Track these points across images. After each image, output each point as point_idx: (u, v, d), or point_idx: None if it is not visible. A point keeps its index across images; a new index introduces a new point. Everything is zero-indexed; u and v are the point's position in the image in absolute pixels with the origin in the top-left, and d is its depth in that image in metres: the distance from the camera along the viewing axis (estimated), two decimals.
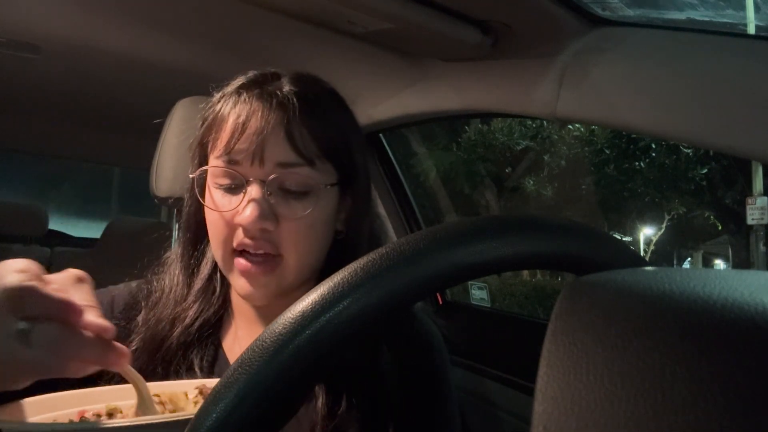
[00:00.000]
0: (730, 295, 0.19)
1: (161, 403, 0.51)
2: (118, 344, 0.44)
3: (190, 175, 0.68)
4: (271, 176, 0.62)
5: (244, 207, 0.61)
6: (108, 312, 0.69)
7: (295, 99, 0.63)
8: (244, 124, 0.62)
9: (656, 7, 1.07)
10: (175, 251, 0.74)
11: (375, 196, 0.77)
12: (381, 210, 1.51)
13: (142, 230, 2.17)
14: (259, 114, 0.62)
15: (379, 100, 1.33)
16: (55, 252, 2.15)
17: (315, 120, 0.63)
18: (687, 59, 0.77)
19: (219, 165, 0.64)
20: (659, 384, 0.17)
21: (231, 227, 0.63)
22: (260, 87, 0.65)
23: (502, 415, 1.30)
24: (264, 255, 0.63)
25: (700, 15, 1.16)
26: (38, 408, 0.48)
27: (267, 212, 0.61)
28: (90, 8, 1.11)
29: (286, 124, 0.62)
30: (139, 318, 0.69)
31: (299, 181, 0.63)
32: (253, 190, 0.62)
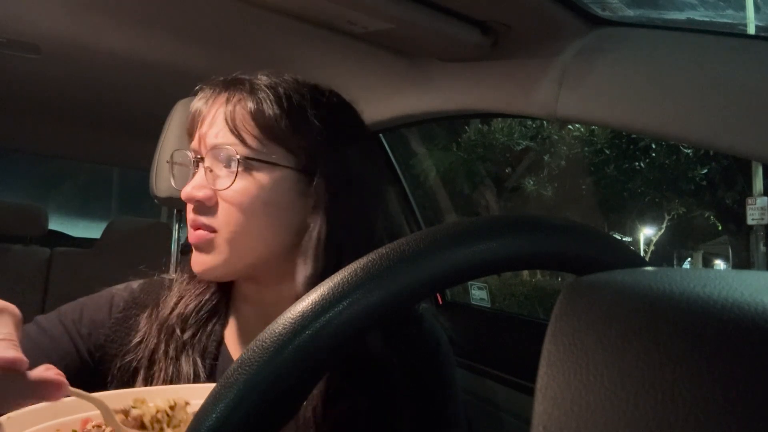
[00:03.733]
0: (730, 295, 0.19)
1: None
2: (49, 375, 0.41)
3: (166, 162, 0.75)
4: (211, 150, 0.66)
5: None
6: (106, 312, 0.70)
7: (245, 83, 0.67)
8: (200, 111, 0.68)
9: (656, 7, 1.07)
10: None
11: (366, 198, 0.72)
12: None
13: (142, 230, 2.17)
14: (210, 97, 0.68)
15: (379, 100, 1.33)
16: (55, 252, 2.15)
17: (263, 102, 0.65)
18: (687, 59, 0.77)
19: (185, 151, 0.71)
20: (659, 384, 0.17)
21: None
22: (231, 81, 0.69)
23: (502, 415, 1.30)
24: (202, 231, 0.66)
25: (700, 15, 1.16)
26: (41, 416, 0.48)
27: (202, 182, 0.65)
28: (90, 8, 1.11)
29: (229, 106, 0.66)
30: (142, 317, 0.70)
31: (225, 152, 0.65)
32: (201, 164, 0.67)
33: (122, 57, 1.31)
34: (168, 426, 0.51)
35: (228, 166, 0.65)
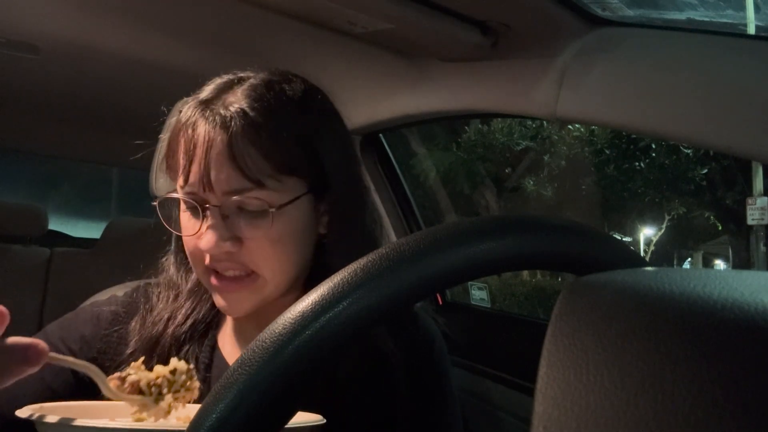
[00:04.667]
0: (730, 296, 0.19)
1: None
2: (29, 340, 0.41)
3: (154, 202, 0.67)
4: (225, 201, 0.61)
5: (204, 232, 0.61)
6: (93, 327, 0.69)
7: (239, 118, 0.60)
8: (193, 151, 0.61)
9: (656, 7, 1.07)
10: (170, 253, 0.74)
11: (374, 200, 0.75)
12: (381, 212, 1.50)
13: (142, 230, 2.16)
14: (205, 138, 0.60)
15: (379, 100, 1.33)
16: (54, 252, 2.15)
17: (265, 138, 0.60)
18: (687, 59, 0.77)
19: (175, 195, 0.64)
20: (659, 384, 0.17)
21: (199, 248, 0.63)
22: (209, 106, 0.62)
23: (502, 415, 1.30)
24: (237, 275, 0.63)
25: (700, 15, 1.16)
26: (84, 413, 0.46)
27: (225, 236, 0.60)
28: (89, 8, 1.11)
29: (232, 148, 0.59)
30: (134, 321, 0.69)
31: (253, 204, 0.61)
32: (210, 217, 0.61)
33: (122, 57, 1.31)
34: (169, 391, 0.49)
35: (258, 212, 0.61)
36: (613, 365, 0.18)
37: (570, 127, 8.62)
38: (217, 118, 0.60)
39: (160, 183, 1.03)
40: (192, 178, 0.61)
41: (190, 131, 0.61)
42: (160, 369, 0.49)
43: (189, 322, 0.67)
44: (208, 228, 0.61)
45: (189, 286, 0.70)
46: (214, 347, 0.69)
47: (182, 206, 0.64)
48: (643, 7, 0.99)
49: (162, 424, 0.48)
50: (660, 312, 0.19)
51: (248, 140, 0.60)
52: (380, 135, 1.58)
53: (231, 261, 0.62)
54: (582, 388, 0.18)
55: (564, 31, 0.90)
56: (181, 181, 0.63)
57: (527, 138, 9.03)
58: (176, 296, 0.70)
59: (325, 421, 0.49)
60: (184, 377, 0.50)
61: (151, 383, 0.48)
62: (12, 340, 0.41)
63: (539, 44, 0.94)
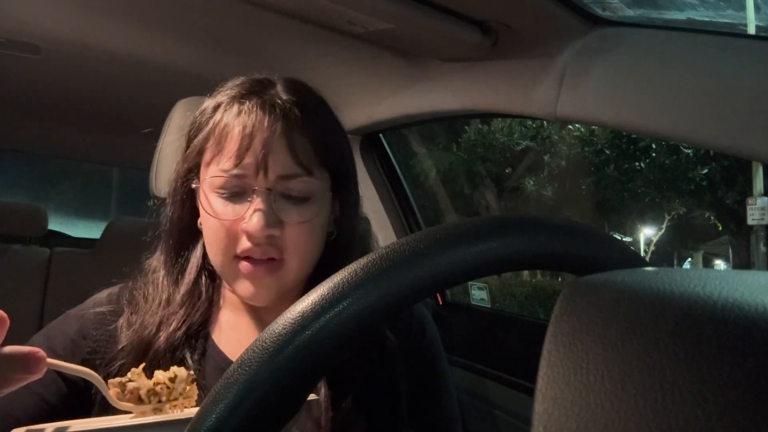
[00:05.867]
0: (731, 296, 0.19)
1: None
2: (27, 348, 0.41)
3: (193, 186, 0.68)
4: (276, 186, 0.63)
5: (251, 215, 0.63)
6: (79, 330, 0.68)
7: (296, 109, 0.65)
8: (251, 136, 0.63)
9: (656, 7, 1.07)
10: (157, 258, 0.73)
11: (360, 199, 0.78)
12: (369, 213, 1.51)
13: (142, 230, 2.15)
14: (265, 125, 0.63)
15: (379, 100, 1.33)
16: (54, 252, 2.15)
17: (313, 129, 0.65)
18: (687, 59, 0.77)
19: (223, 175, 0.64)
20: (659, 384, 0.17)
21: (233, 234, 0.64)
22: (259, 96, 0.66)
23: (502, 415, 1.30)
24: (268, 260, 0.64)
25: (700, 15, 1.16)
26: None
27: (273, 220, 0.63)
28: (89, 8, 1.11)
29: (288, 135, 0.64)
30: (122, 319, 0.68)
31: (301, 189, 0.65)
32: (259, 200, 0.63)
33: (122, 57, 1.31)
34: (167, 400, 0.49)
35: (297, 196, 0.64)
36: (613, 365, 0.18)
37: (570, 127, 8.62)
38: (275, 107, 0.64)
39: (161, 182, 1.03)
40: (247, 160, 0.63)
41: (243, 118, 0.64)
42: (160, 376, 0.49)
43: (183, 328, 0.67)
44: (256, 211, 0.62)
45: (183, 292, 0.70)
46: (207, 338, 0.69)
47: (215, 191, 0.65)
48: (643, 7, 0.99)
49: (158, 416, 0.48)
50: (660, 312, 0.19)
51: (301, 129, 0.64)
52: (380, 135, 1.58)
53: (269, 246, 0.64)
54: (582, 388, 0.18)
55: (564, 31, 0.90)
56: (228, 164, 0.63)
57: (527, 138, 9.03)
58: (167, 301, 0.69)
59: (317, 397, 0.50)
60: (183, 384, 0.50)
61: (151, 391, 0.48)
62: (10, 349, 0.40)
63: (539, 44, 0.94)
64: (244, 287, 0.65)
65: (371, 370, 0.67)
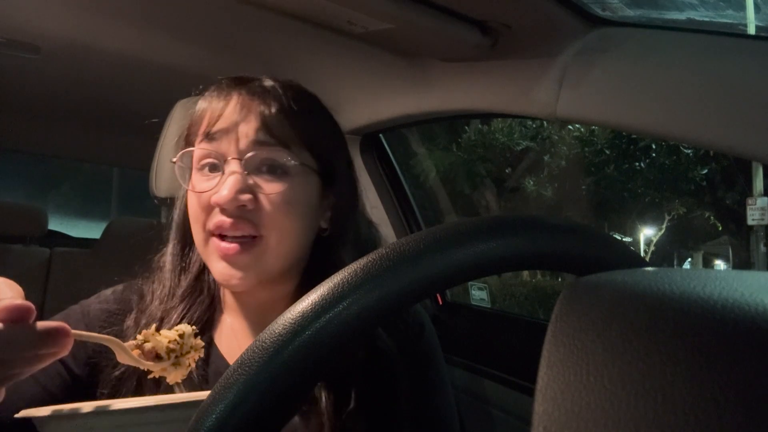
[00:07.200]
0: (731, 296, 0.19)
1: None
2: (54, 323, 0.41)
3: (173, 160, 0.69)
4: (249, 154, 0.63)
5: (222, 184, 0.62)
6: (84, 325, 0.68)
7: (278, 91, 0.66)
8: (223, 108, 0.65)
9: (656, 7, 1.07)
10: (165, 252, 0.74)
11: (365, 204, 0.78)
12: (374, 217, 1.51)
13: (142, 230, 2.15)
14: (238, 99, 0.65)
15: (379, 100, 1.33)
16: (54, 252, 2.15)
17: (293, 109, 0.65)
18: (687, 59, 0.77)
19: (199, 147, 0.66)
20: (659, 384, 0.17)
21: (209, 209, 0.64)
22: (244, 85, 0.67)
23: (502, 415, 1.30)
24: (242, 237, 0.63)
25: (700, 15, 1.16)
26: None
27: (244, 187, 0.62)
28: (90, 8, 1.11)
29: (263, 108, 0.64)
30: (129, 319, 0.69)
31: (275, 159, 0.64)
32: (231, 166, 0.63)
33: (122, 57, 1.31)
34: (182, 354, 0.52)
35: (271, 170, 0.64)
36: (613, 365, 0.18)
37: (570, 127, 8.62)
38: (255, 88, 0.66)
39: (161, 182, 1.03)
40: (219, 125, 0.64)
41: (222, 98, 0.66)
42: (169, 333, 0.53)
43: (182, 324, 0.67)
44: (228, 177, 0.62)
45: (185, 287, 0.70)
46: (210, 343, 0.69)
47: (196, 166, 0.66)
48: (643, 7, 0.99)
49: (166, 398, 0.51)
50: (660, 312, 0.19)
51: (279, 105, 0.65)
52: (380, 135, 1.58)
53: (241, 219, 0.63)
54: (582, 388, 0.18)
55: (564, 31, 0.90)
56: (203, 139, 0.65)
57: (527, 138, 9.03)
58: (171, 297, 0.70)
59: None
60: (191, 339, 0.54)
61: (167, 348, 0.52)
62: (42, 324, 0.40)
63: (539, 44, 0.94)
64: (220, 269, 0.64)
65: (370, 370, 0.67)
